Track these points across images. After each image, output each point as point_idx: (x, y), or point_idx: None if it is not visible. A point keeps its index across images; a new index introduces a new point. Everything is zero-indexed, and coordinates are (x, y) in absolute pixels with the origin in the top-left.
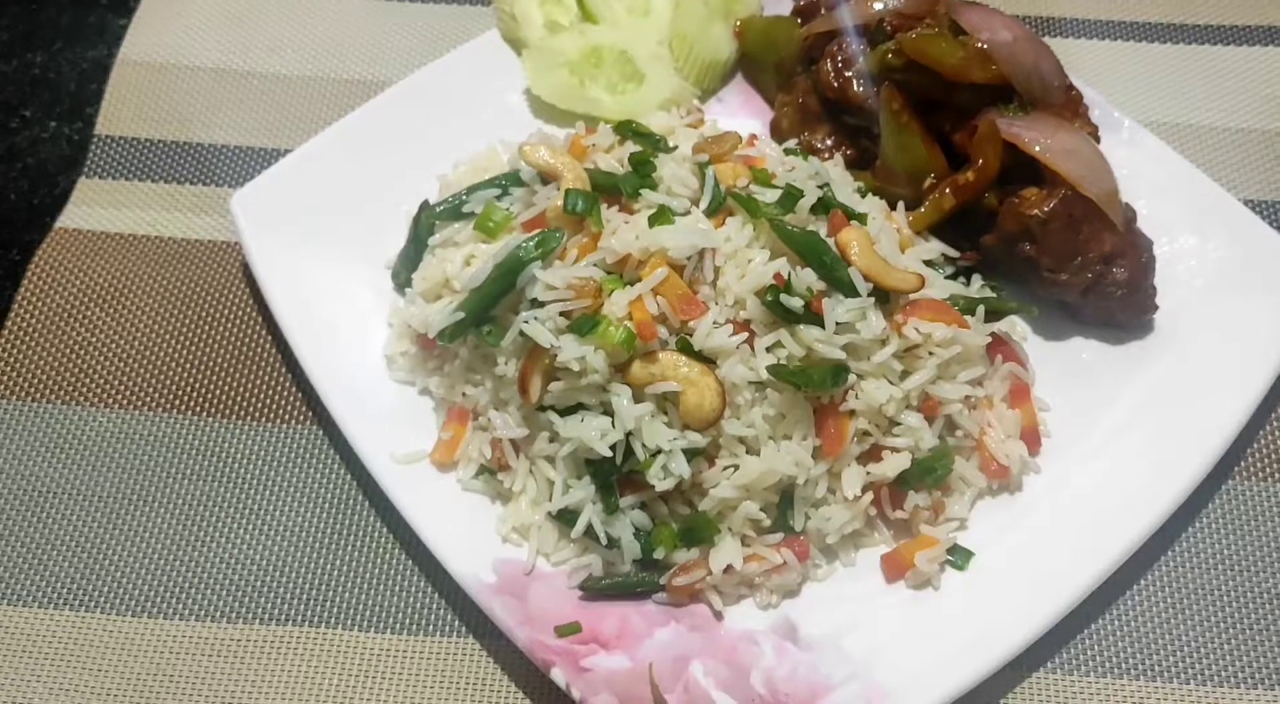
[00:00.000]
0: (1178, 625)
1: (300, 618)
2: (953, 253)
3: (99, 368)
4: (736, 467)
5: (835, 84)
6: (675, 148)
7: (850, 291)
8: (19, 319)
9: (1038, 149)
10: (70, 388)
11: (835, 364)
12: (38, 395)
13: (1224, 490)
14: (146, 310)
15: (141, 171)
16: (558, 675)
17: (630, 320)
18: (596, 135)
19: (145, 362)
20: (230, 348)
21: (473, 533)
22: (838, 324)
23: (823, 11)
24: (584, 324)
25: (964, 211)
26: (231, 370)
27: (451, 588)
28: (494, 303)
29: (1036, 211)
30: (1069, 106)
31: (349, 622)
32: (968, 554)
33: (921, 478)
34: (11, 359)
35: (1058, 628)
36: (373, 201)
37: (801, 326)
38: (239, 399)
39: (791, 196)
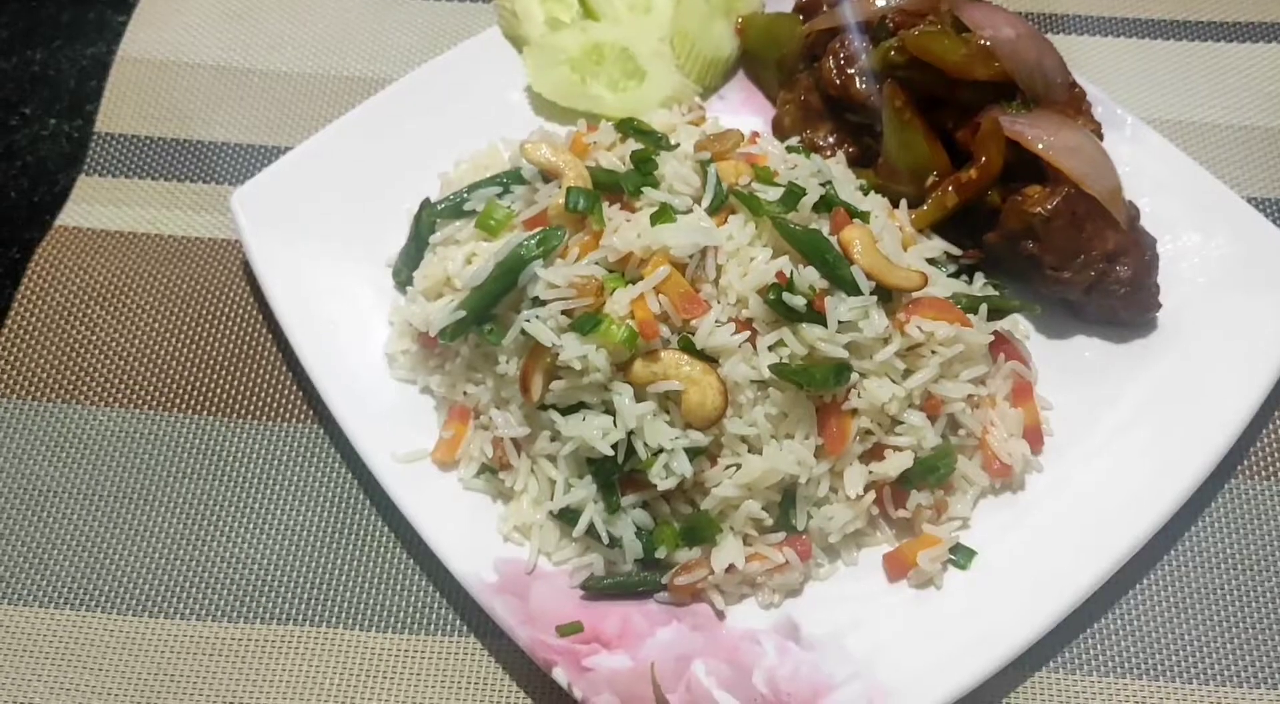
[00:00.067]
0: (1181, 625)
1: (301, 617)
2: (955, 251)
3: (99, 366)
4: (738, 465)
5: (837, 81)
6: (677, 145)
7: (853, 290)
8: (19, 317)
9: (1040, 146)
10: (70, 386)
11: (838, 363)
12: (38, 394)
13: (1227, 489)
14: (147, 308)
15: (141, 169)
16: (559, 675)
17: (632, 319)
18: (598, 133)
19: (146, 360)
20: (231, 346)
21: (474, 532)
22: (840, 322)
23: (825, 8)
24: (586, 323)
25: (967, 209)
26: (232, 369)
27: (453, 587)
28: (495, 301)
29: (1039, 209)
30: (1072, 104)
31: (350, 621)
32: (970, 553)
33: (924, 477)
34: (12, 357)
35: (1061, 627)
36: (373, 199)
37: (804, 325)
38: (240, 398)
39: (794, 194)
